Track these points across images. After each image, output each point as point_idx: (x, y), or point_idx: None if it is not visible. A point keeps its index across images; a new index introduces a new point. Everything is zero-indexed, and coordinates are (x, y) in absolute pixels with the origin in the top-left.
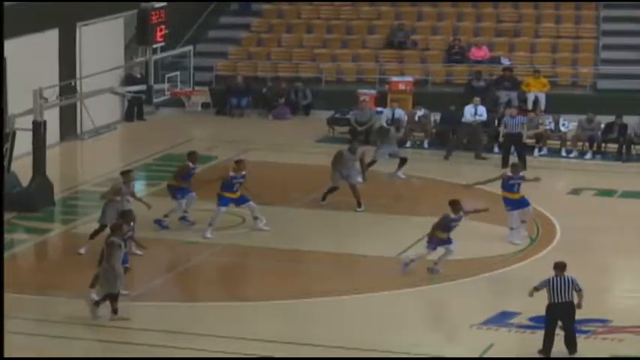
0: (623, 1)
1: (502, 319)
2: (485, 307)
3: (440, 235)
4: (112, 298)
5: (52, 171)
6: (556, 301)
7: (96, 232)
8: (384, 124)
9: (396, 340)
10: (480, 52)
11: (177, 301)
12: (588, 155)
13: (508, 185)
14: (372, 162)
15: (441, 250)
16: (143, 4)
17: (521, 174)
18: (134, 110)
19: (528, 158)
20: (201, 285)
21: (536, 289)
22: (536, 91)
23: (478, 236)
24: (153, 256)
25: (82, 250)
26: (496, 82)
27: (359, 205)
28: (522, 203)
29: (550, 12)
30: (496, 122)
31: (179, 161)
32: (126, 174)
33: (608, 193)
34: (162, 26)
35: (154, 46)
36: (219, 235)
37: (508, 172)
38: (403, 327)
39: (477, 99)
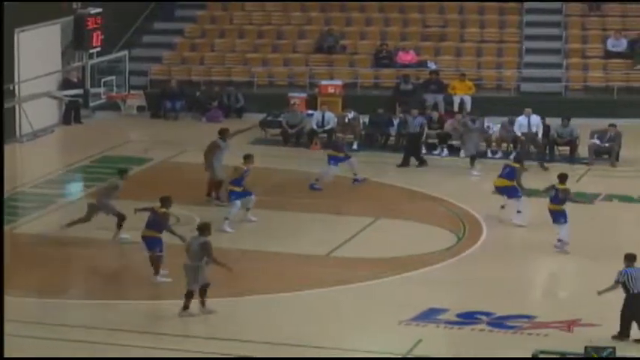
0: (545, 1)
1: (430, 315)
2: (414, 304)
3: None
4: (204, 290)
5: None
6: (636, 291)
7: (74, 222)
8: (469, 123)
9: (327, 336)
10: (407, 57)
11: (114, 299)
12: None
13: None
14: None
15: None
16: (79, 11)
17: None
18: (71, 114)
19: (458, 159)
20: (136, 284)
21: (617, 282)
22: (462, 94)
23: (406, 234)
24: (91, 256)
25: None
26: (423, 86)
27: (209, 195)
28: None
29: (475, 17)
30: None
31: (116, 163)
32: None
33: (532, 192)
34: (98, 32)
35: (91, 51)
36: None
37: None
38: (334, 323)
39: (529, 109)
